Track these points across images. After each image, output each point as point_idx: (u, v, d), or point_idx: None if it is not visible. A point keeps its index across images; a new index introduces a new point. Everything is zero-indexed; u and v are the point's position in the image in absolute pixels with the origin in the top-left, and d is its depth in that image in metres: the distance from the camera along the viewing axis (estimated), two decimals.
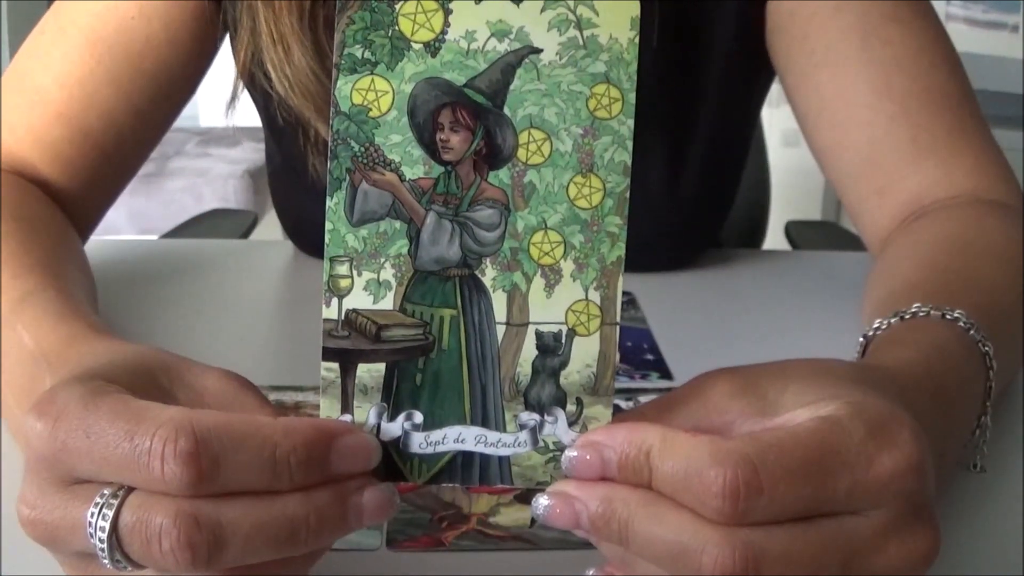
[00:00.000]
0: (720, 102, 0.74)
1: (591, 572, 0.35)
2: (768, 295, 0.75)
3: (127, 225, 2.01)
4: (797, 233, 1.29)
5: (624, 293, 0.71)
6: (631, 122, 0.35)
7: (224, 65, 0.73)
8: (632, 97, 0.35)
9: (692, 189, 0.75)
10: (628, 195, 0.35)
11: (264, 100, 0.72)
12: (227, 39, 0.71)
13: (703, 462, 0.31)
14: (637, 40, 0.34)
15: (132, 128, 0.68)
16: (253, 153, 2.17)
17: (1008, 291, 0.54)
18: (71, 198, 0.67)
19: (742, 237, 1.32)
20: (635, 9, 0.34)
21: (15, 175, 0.64)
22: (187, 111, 0.75)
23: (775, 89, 0.79)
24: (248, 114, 0.74)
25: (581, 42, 0.34)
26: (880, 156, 0.66)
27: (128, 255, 0.78)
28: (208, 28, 0.69)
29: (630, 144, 0.35)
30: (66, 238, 0.62)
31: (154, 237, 1.21)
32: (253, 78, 0.69)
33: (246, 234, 1.24)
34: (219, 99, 0.73)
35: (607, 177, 0.35)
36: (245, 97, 0.72)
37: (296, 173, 0.74)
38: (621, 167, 0.35)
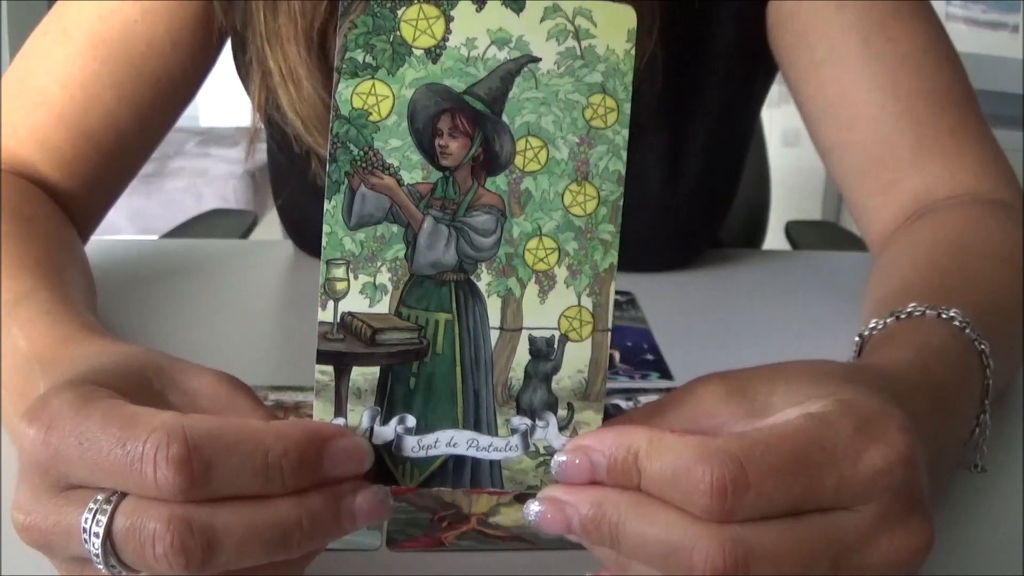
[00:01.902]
0: (721, 102, 0.74)
1: (587, 575, 0.35)
2: (768, 295, 0.75)
3: (127, 225, 2.01)
4: (797, 233, 1.29)
5: (624, 293, 0.72)
6: (626, 132, 0.35)
7: (226, 66, 0.74)
8: (627, 108, 0.35)
9: (692, 189, 0.75)
10: (622, 203, 0.35)
11: (278, 134, 0.73)
12: (228, 42, 0.71)
13: (690, 460, 0.31)
14: (633, 52, 0.35)
15: (133, 130, 0.69)
16: (253, 153, 2.17)
17: (1008, 291, 0.54)
18: (72, 199, 0.67)
19: (742, 237, 1.32)
20: (632, 21, 0.34)
21: (16, 175, 0.65)
22: (187, 111, 0.75)
23: (775, 89, 0.79)
24: (248, 113, 0.74)
25: (579, 52, 0.35)
26: (886, 154, 0.66)
27: (128, 255, 0.79)
28: (210, 31, 0.69)
29: (624, 154, 0.35)
30: (65, 238, 0.62)
31: (154, 237, 1.21)
32: (267, 116, 0.69)
33: (246, 234, 1.24)
34: (219, 99, 0.73)
35: (601, 185, 0.35)
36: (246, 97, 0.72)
37: (298, 173, 0.74)
38: (615, 176, 0.35)
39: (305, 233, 0.81)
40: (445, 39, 0.35)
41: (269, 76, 0.65)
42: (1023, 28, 2.08)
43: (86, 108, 0.66)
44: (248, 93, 0.70)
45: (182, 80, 0.70)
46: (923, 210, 0.65)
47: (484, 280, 0.35)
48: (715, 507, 0.31)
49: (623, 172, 0.35)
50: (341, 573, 0.41)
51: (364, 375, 0.36)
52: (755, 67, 0.74)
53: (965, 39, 1.95)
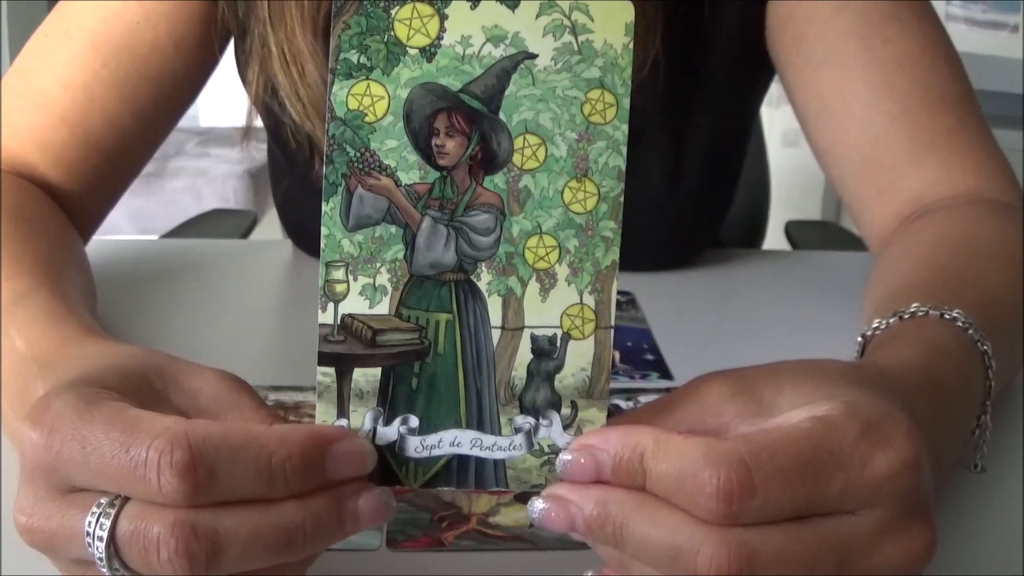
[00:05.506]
0: (721, 101, 0.74)
1: (589, 574, 0.35)
2: (768, 295, 0.75)
3: (127, 225, 2.01)
4: (797, 233, 1.29)
5: (624, 293, 0.71)
6: (625, 127, 0.35)
7: (226, 66, 0.74)
8: (626, 102, 0.35)
9: (692, 188, 0.75)
10: (622, 200, 0.35)
11: (275, 126, 0.73)
12: (230, 44, 0.71)
13: (696, 463, 0.31)
14: (631, 46, 0.34)
15: (135, 131, 0.69)
16: (253, 153, 2.18)
17: (1008, 291, 0.54)
18: (73, 200, 0.67)
19: (742, 237, 1.32)
20: (629, 15, 0.34)
21: (16, 176, 0.65)
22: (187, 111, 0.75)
23: (775, 89, 0.79)
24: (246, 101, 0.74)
25: (576, 47, 0.34)
26: (881, 155, 0.66)
27: (128, 255, 0.79)
28: (212, 33, 0.69)
29: (624, 149, 0.35)
30: (65, 239, 0.62)
31: (154, 237, 1.21)
32: (265, 106, 0.69)
33: (246, 234, 1.24)
34: (219, 99, 0.73)
35: (602, 182, 0.35)
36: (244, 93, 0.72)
37: (298, 175, 0.74)
38: (615, 172, 0.35)
39: (305, 233, 0.81)
40: (440, 37, 0.34)
41: (269, 60, 0.65)
42: (1023, 28, 2.08)
43: (87, 109, 0.66)
44: (245, 82, 0.69)
45: (184, 81, 0.70)
46: (921, 211, 0.65)
47: (484, 279, 0.35)
48: (721, 511, 0.31)
49: (623, 168, 0.35)
50: (341, 573, 0.41)
51: (366, 376, 0.35)
52: (756, 67, 0.74)
53: (965, 39, 1.95)
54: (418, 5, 0.34)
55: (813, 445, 0.32)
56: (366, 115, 0.34)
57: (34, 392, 0.40)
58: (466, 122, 0.35)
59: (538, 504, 0.34)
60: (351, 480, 0.35)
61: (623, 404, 0.56)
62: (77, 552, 0.33)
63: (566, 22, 0.34)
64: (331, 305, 0.35)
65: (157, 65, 0.68)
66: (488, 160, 0.35)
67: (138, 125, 0.69)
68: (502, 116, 0.35)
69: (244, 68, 0.70)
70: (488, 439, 0.36)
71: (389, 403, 0.36)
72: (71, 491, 0.33)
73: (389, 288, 0.35)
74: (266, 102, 0.69)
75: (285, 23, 0.64)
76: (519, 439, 0.36)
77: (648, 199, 0.74)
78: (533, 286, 0.35)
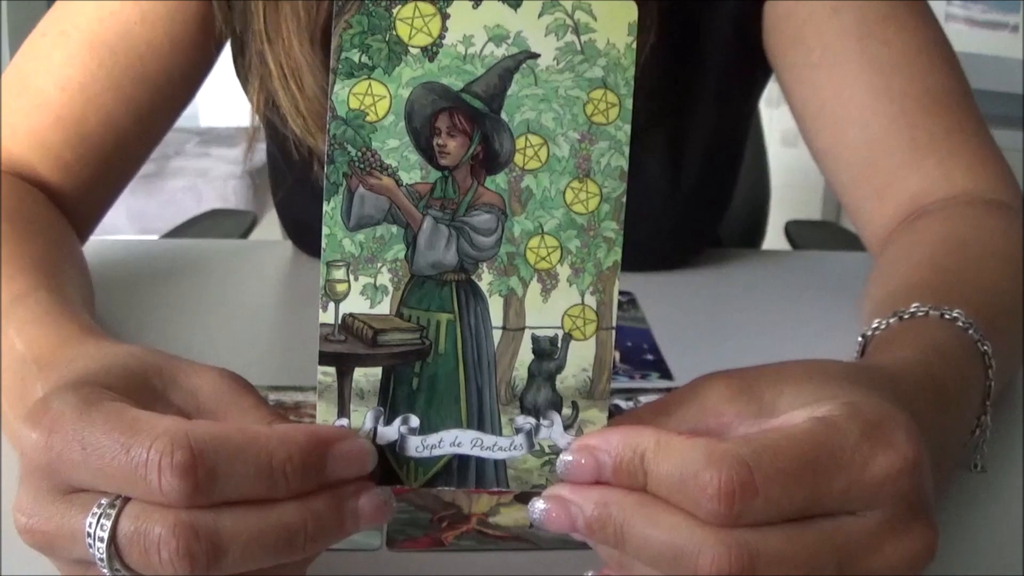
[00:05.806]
0: (718, 100, 0.74)
1: (589, 574, 0.35)
2: (768, 295, 0.75)
3: (127, 225, 2.01)
4: (797, 233, 1.29)
5: (624, 293, 0.72)
6: (628, 127, 0.35)
7: (225, 66, 0.74)
8: (629, 103, 0.35)
9: (690, 187, 0.75)
10: (625, 200, 0.35)
11: (277, 137, 0.73)
12: (228, 44, 0.71)
13: (698, 464, 0.31)
14: (635, 45, 0.34)
15: (132, 131, 0.69)
16: (252, 156, 2.17)
17: (1007, 291, 0.54)
18: (70, 200, 0.67)
19: (742, 237, 1.32)
20: (632, 14, 0.34)
21: (15, 177, 0.65)
22: (187, 111, 0.75)
23: (775, 89, 0.79)
24: (248, 114, 0.74)
25: (579, 47, 0.34)
26: (879, 157, 0.66)
27: (128, 255, 0.79)
28: (210, 33, 0.69)
29: (627, 150, 0.35)
30: (63, 239, 0.62)
31: (154, 237, 1.21)
32: (267, 119, 0.69)
33: (246, 234, 1.24)
34: (219, 99, 0.73)
35: (604, 182, 0.35)
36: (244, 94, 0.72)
37: (297, 175, 0.74)
38: (618, 172, 0.35)
39: (305, 234, 0.81)
40: (442, 37, 0.34)
41: (268, 77, 0.65)
42: (1023, 28, 2.08)
43: (84, 110, 0.66)
44: (248, 96, 0.70)
45: (181, 82, 0.70)
46: (919, 212, 0.65)
47: (485, 280, 0.35)
48: (722, 511, 0.31)
49: (626, 168, 0.35)
50: (341, 573, 0.41)
51: (366, 376, 0.35)
52: (752, 66, 0.74)
53: (965, 39, 1.95)
54: (420, 4, 0.34)
55: (814, 446, 0.32)
56: (367, 114, 0.34)
57: (33, 392, 0.40)
58: (468, 122, 0.35)
59: (539, 505, 0.34)
60: (351, 480, 0.35)
61: (623, 404, 0.56)
62: (77, 553, 0.33)
63: (568, 21, 0.34)
64: (332, 305, 0.35)
65: (154, 65, 0.68)
66: (490, 160, 0.35)
67: (135, 125, 0.68)
68: (504, 116, 0.35)
69: (245, 83, 0.70)
70: (489, 439, 0.36)
71: (390, 403, 0.36)
72: (71, 491, 0.33)
73: (390, 288, 0.35)
74: (268, 116, 0.69)
75: (282, 37, 0.64)
76: (520, 439, 0.36)
77: (647, 199, 0.74)
78: (534, 286, 0.35)
